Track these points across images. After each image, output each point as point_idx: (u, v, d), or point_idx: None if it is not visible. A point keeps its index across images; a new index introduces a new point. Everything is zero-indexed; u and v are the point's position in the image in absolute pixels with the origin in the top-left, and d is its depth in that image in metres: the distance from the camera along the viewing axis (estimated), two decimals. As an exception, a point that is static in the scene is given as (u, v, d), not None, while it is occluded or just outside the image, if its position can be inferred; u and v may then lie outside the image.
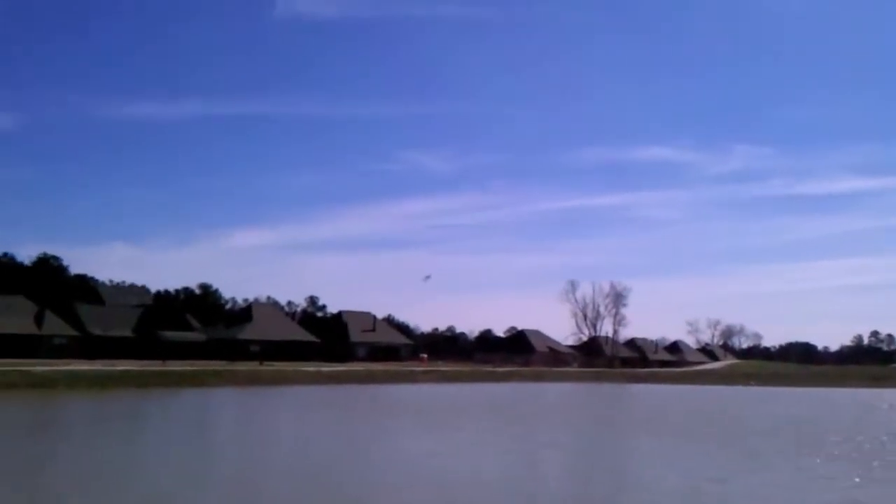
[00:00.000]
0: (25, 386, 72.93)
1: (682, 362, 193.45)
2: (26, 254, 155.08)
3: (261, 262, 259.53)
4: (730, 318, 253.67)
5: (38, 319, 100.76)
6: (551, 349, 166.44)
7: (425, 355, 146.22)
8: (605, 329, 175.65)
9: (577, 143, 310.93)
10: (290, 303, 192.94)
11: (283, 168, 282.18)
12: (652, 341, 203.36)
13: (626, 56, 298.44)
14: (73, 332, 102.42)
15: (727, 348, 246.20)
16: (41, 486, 26.46)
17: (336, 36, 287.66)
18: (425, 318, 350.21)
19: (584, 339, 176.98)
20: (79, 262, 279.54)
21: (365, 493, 25.85)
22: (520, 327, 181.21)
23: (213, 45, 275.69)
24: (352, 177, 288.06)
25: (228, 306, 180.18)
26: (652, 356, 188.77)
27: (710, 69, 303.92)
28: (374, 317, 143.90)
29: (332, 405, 70.56)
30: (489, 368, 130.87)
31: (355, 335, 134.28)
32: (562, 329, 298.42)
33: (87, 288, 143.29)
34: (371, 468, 31.59)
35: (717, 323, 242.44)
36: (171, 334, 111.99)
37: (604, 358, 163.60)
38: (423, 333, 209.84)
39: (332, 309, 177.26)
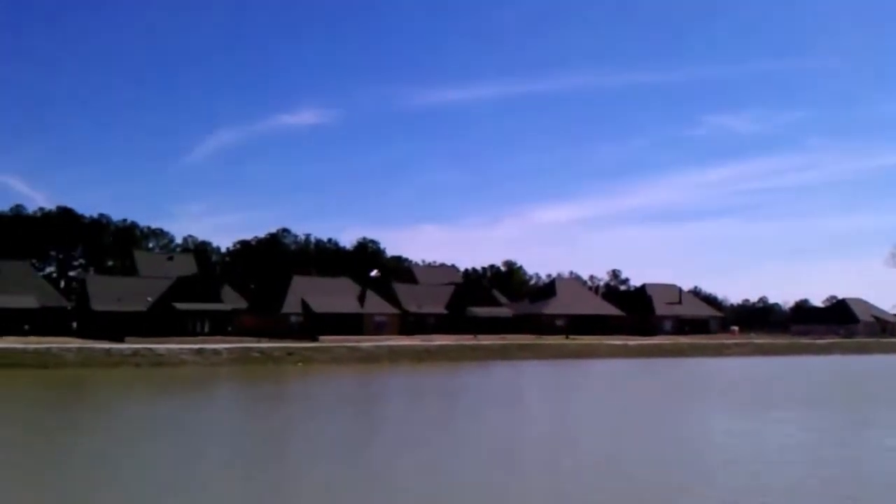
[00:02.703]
0: (354, 360, 79.40)
1: None
2: (348, 239, 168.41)
3: (563, 237, 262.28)
4: None
5: (361, 299, 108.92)
6: (877, 318, 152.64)
7: (736, 328, 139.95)
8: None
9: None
10: (592, 277, 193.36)
11: (582, 142, 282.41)
12: None
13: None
14: (392, 310, 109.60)
15: None
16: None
17: (636, 5, 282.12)
18: (735, 289, 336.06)
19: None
20: (394, 244, 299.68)
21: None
22: (840, 296, 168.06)
23: (504, 26, 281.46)
24: (653, 145, 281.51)
25: (532, 282, 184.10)
26: None
27: None
28: (680, 289, 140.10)
29: (644, 378, 69.78)
30: (807, 340, 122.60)
31: (660, 308, 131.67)
32: (889, 297, 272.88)
33: (402, 269, 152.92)
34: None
35: None
36: (479, 310, 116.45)
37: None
38: (732, 305, 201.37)
39: (636, 282, 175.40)
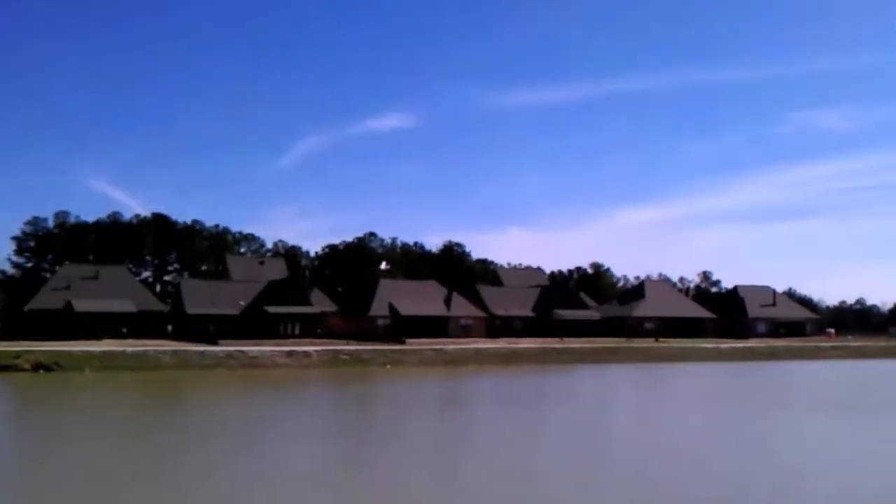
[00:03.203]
0: (440, 363, 79.62)
1: None
2: (433, 242, 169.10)
3: (650, 238, 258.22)
4: None
5: (447, 302, 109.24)
6: None
7: (832, 330, 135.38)
8: None
9: None
10: (682, 279, 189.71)
11: (667, 141, 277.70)
12: None
13: None
14: (478, 313, 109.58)
15: None
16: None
17: (721, 1, 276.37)
18: (831, 291, 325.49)
19: None
20: (480, 247, 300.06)
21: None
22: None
23: (586, 25, 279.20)
24: (740, 143, 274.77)
25: (620, 284, 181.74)
26: None
27: None
28: (774, 290, 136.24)
29: (744, 382, 68.03)
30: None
31: (753, 310, 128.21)
32: None
33: (487, 271, 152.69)
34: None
35: None
36: (566, 313, 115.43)
37: None
38: (828, 307, 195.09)
39: (727, 283, 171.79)
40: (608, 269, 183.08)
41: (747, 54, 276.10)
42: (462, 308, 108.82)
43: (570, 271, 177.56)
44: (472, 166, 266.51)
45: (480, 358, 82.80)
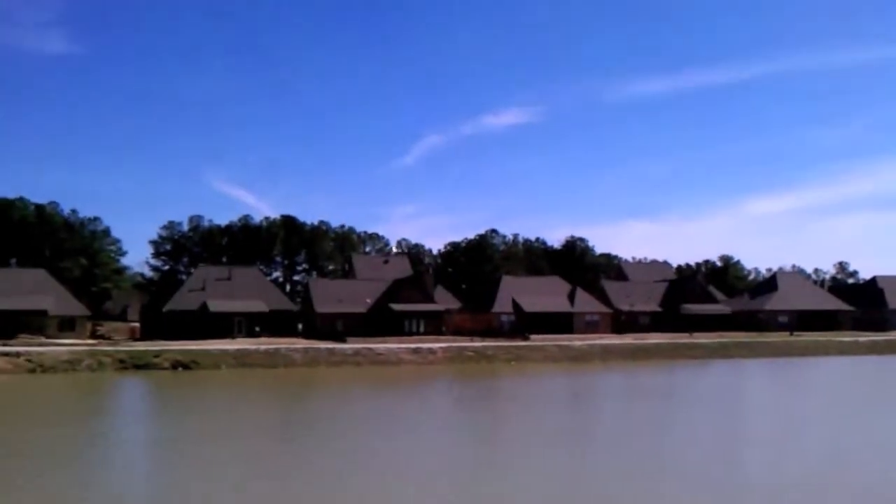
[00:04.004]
0: (566, 359, 78.95)
1: None
2: (556, 237, 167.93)
3: (782, 228, 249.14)
4: None
5: (571, 297, 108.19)
6: None
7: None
8: None
9: None
10: (816, 270, 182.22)
11: (796, 128, 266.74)
12: None
13: None
14: (603, 309, 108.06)
15: None
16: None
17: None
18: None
19: None
20: (602, 241, 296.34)
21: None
22: None
23: (712, 10, 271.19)
24: (874, 127, 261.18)
25: (751, 277, 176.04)
26: None
27: None
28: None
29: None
30: None
31: (893, 301, 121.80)
32: None
33: (611, 266, 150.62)
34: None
35: None
36: (694, 307, 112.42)
37: None
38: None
39: (865, 274, 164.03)
40: (738, 262, 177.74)
41: (879, 36, 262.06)
42: (586, 304, 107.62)
43: (697, 264, 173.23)
44: (593, 160, 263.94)
45: (607, 354, 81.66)
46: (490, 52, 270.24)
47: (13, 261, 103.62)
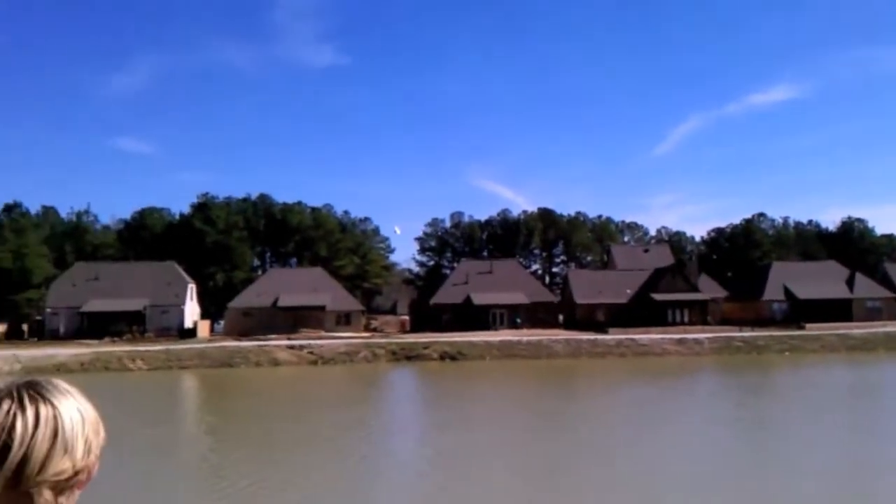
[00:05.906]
0: (845, 349, 73.86)
1: None
2: (830, 219, 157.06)
3: None
4: None
5: (850, 283, 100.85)
6: None
7: None
8: None
9: None
10: None
11: None
12: None
13: None
14: (886, 294, 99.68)
15: None
16: None
17: None
18: None
19: None
20: (884, 221, 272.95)
21: None
22: None
23: None
24: None
25: None
26: None
27: None
28: None
29: None
30: None
31: None
32: None
33: (894, 247, 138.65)
34: None
35: None
36: None
37: None
38: None
39: None
40: None
41: None
42: (867, 289, 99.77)
43: None
44: (872, 133, 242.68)
45: (891, 342, 75.42)
46: (751, 30, 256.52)
47: (293, 260, 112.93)
